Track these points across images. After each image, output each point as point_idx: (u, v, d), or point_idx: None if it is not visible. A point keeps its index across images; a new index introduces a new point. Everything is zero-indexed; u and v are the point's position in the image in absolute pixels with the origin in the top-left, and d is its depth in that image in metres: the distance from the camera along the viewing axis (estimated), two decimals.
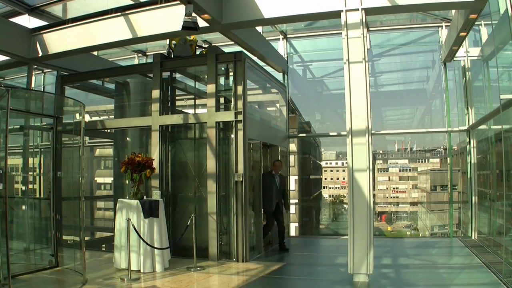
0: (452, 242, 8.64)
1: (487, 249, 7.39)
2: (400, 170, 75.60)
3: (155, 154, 7.30)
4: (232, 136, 7.01)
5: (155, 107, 7.50)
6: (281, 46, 10.64)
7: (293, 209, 13.97)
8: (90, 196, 12.57)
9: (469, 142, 9.11)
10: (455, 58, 9.08)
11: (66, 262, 6.35)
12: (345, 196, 47.72)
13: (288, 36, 10.81)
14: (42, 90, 10.97)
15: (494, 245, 7.54)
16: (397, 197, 72.53)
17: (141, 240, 5.93)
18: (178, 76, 8.20)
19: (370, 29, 9.97)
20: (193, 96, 8.63)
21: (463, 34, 7.30)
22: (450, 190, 11.18)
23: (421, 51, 11.67)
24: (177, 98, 8.24)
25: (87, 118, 9.60)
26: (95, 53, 9.82)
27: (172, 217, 7.40)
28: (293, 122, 12.51)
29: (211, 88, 7.14)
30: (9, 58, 7.91)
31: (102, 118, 11.36)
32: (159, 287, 5.44)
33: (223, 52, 7.51)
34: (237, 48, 7.81)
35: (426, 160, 74.27)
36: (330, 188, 71.99)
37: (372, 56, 11.31)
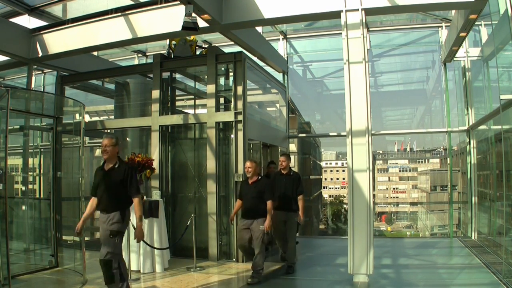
0: (452, 242, 8.64)
1: (487, 249, 7.39)
2: (400, 171, 75.64)
3: (155, 154, 7.31)
4: (232, 136, 7.02)
5: (155, 107, 7.50)
6: (281, 47, 10.64)
7: None
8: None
9: (469, 142, 9.11)
10: (455, 59, 9.08)
11: (66, 262, 6.35)
12: (345, 197, 47.72)
13: (288, 36, 10.81)
14: (42, 90, 10.98)
15: (494, 245, 7.54)
16: (397, 197, 72.57)
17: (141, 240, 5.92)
18: (178, 76, 8.20)
19: (370, 29, 9.98)
20: (193, 96, 8.63)
21: (463, 34, 7.31)
22: (450, 190, 11.19)
23: (421, 51, 11.69)
24: (177, 98, 8.24)
25: (87, 118, 9.60)
26: (95, 53, 9.82)
27: (172, 217, 7.40)
28: (293, 122, 12.52)
29: (211, 88, 7.14)
30: (9, 58, 7.91)
31: (102, 118, 11.35)
32: (159, 287, 5.44)
33: (223, 52, 7.51)
34: (237, 48, 7.81)
35: (426, 160, 74.34)
36: (330, 188, 72.02)
37: (372, 56, 11.32)
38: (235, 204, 6.17)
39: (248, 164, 5.82)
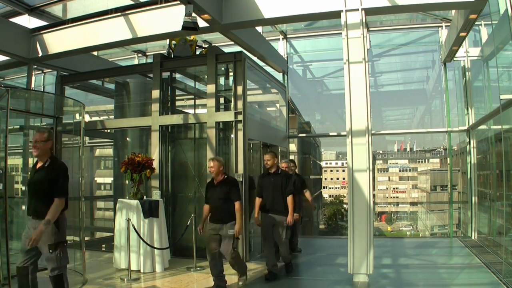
0: (452, 242, 8.64)
1: (487, 249, 7.39)
2: (400, 170, 75.71)
3: (155, 154, 7.30)
4: (232, 136, 7.01)
5: (155, 107, 7.50)
6: (281, 46, 10.64)
7: None
8: (90, 196, 12.57)
9: (469, 142, 9.11)
10: (455, 58, 9.08)
11: None
12: (345, 196, 47.72)
13: (288, 36, 10.81)
14: (42, 90, 10.97)
15: (494, 245, 7.54)
16: (397, 197, 72.64)
17: (141, 240, 5.93)
18: (178, 76, 8.20)
19: (370, 29, 9.98)
20: (193, 96, 8.63)
21: (463, 34, 7.31)
22: (450, 190, 11.18)
23: (421, 51, 11.69)
24: (177, 98, 8.24)
25: (87, 118, 9.60)
26: (95, 53, 9.82)
27: (172, 217, 7.40)
28: (293, 122, 12.51)
29: (211, 88, 7.14)
30: (9, 58, 7.90)
31: (102, 118, 11.36)
32: (159, 287, 5.44)
33: (223, 52, 7.51)
34: (237, 48, 7.80)
35: (426, 160, 74.44)
36: (330, 188, 72.09)
37: (372, 56, 11.32)
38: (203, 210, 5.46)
39: (210, 163, 5.29)
